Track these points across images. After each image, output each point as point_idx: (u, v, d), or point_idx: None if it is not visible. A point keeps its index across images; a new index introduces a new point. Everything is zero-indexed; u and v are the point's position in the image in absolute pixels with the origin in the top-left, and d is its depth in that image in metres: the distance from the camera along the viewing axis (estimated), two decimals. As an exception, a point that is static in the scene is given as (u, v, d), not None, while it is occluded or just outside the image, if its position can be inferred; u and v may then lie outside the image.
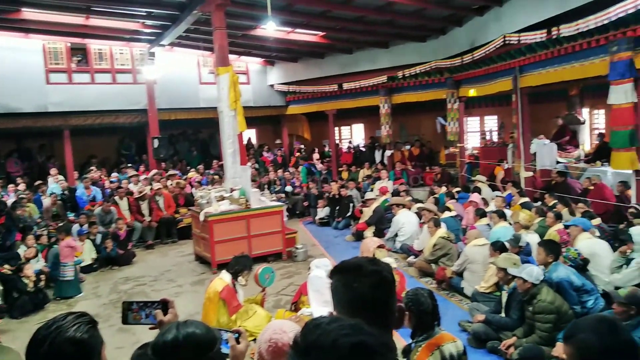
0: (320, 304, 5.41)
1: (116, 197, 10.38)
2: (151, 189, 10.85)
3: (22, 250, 7.53)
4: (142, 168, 13.42)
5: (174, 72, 13.84)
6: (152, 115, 13.32)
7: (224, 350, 1.78)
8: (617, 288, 4.77)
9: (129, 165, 13.83)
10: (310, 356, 0.90)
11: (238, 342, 1.79)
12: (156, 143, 13.19)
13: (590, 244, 5.77)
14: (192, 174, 13.31)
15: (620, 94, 7.40)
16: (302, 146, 17.53)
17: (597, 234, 6.24)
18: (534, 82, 9.70)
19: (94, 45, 12.91)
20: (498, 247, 5.51)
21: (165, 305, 1.92)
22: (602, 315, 1.90)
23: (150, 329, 1.90)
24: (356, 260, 1.47)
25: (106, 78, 13.10)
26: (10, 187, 11.26)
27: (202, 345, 1.43)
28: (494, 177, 11.40)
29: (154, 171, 12.63)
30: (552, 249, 5.09)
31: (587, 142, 12.94)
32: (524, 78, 9.91)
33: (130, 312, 1.93)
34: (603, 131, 12.43)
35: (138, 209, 10.41)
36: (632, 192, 7.81)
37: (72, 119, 12.62)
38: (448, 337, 2.78)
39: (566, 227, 6.38)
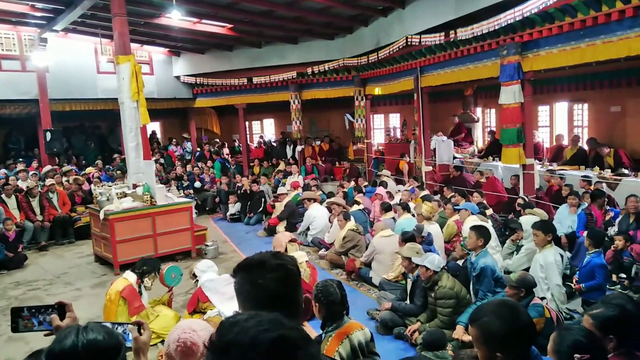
0: (224, 302, 5.34)
1: (3, 195, 9.43)
2: (43, 185, 9.99)
3: None
4: (34, 164, 12.31)
5: (68, 60, 12.82)
6: (43, 106, 12.25)
7: (126, 344, 1.69)
8: (508, 272, 5.23)
9: (20, 160, 12.63)
10: (230, 355, 0.86)
11: (140, 334, 1.71)
12: (49, 136, 12.15)
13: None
14: (90, 170, 12.45)
15: (510, 95, 8.08)
16: (217, 140, 17.14)
17: (490, 223, 6.78)
18: (433, 82, 10.30)
19: (-27, 28, 11.61)
20: (407, 238, 5.76)
21: (62, 308, 1.76)
22: (504, 299, 2.09)
23: (45, 335, 1.73)
24: (259, 256, 1.45)
25: (-10, 64, 11.84)
26: None
27: (105, 353, 1.32)
28: (399, 171, 11.94)
29: (48, 167, 11.65)
30: (483, 233, 5.12)
31: (480, 139, 13.99)
32: (425, 78, 10.48)
33: (21, 319, 1.75)
34: (494, 129, 13.50)
35: (29, 207, 9.55)
36: (519, 185, 8.57)
37: (-52, 108, 11.28)
38: (356, 326, 2.87)
39: (457, 210, 6.92)
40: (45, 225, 9.54)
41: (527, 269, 5.30)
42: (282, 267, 1.39)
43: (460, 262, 5.82)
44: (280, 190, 10.70)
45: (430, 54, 9.89)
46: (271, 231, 9.53)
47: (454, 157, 11.55)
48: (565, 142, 11.07)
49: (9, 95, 11.96)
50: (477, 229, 5.25)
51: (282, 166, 14.25)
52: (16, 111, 12.27)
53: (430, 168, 10.86)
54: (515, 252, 6.15)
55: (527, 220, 6.19)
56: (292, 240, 6.18)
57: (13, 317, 1.74)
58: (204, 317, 5.22)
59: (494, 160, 10.78)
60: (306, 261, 5.99)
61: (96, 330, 1.35)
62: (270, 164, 14.94)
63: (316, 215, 8.82)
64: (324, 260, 7.79)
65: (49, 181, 10.12)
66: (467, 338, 4.39)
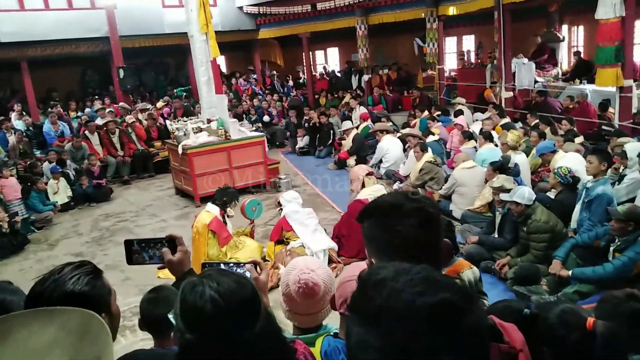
0: (309, 234, 5.40)
1: (87, 132, 9.88)
2: (122, 122, 10.35)
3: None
4: (107, 100, 12.71)
5: (134, -5, 12.80)
6: (114, 43, 12.41)
7: None
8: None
9: (96, 98, 13.11)
10: (381, 323, 0.73)
11: (258, 273, 1.64)
12: (122, 73, 12.43)
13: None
14: (161, 105, 12.69)
15: (609, 8, 7.17)
16: (275, 72, 16.92)
17: (582, 152, 6.26)
18: (518, -4, 9.35)
19: (42, -34, 11.71)
20: (497, 167, 5.46)
21: (172, 242, 1.69)
22: None
23: (159, 269, 1.70)
24: (392, 199, 1.27)
25: (61, 3, 11.97)
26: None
27: (247, 303, 1.11)
28: (482, 99, 11.16)
29: (122, 104, 12.02)
30: (606, 157, 4.80)
31: (565, 60, 12.85)
32: (508, -7, 9.53)
33: (133, 253, 1.72)
34: (581, 49, 12.33)
35: (110, 143, 9.97)
36: (614, 110, 7.83)
37: (28, 49, 11.65)
38: (465, 264, 2.73)
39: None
40: (127, 160, 9.96)
41: (631, 200, 4.88)
42: (422, 211, 1.20)
43: (551, 195, 5.47)
44: (345, 125, 10.39)
45: (515, -36, 8.92)
46: (341, 164, 9.44)
47: (535, 81, 10.69)
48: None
49: (81, 34, 12.16)
50: (599, 152, 4.86)
51: (347, 98, 13.85)
52: (89, 49, 12.55)
53: (511, 94, 10.14)
54: (617, 183, 5.67)
55: (632, 148, 5.65)
56: (369, 174, 6.03)
57: (126, 250, 1.72)
58: (287, 247, 5.32)
59: (580, 83, 9.89)
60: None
61: (227, 277, 1.18)
62: (335, 95, 14.58)
63: (389, 147, 8.55)
64: (399, 193, 7.61)
65: (129, 118, 10.44)
66: (565, 273, 4.16)
